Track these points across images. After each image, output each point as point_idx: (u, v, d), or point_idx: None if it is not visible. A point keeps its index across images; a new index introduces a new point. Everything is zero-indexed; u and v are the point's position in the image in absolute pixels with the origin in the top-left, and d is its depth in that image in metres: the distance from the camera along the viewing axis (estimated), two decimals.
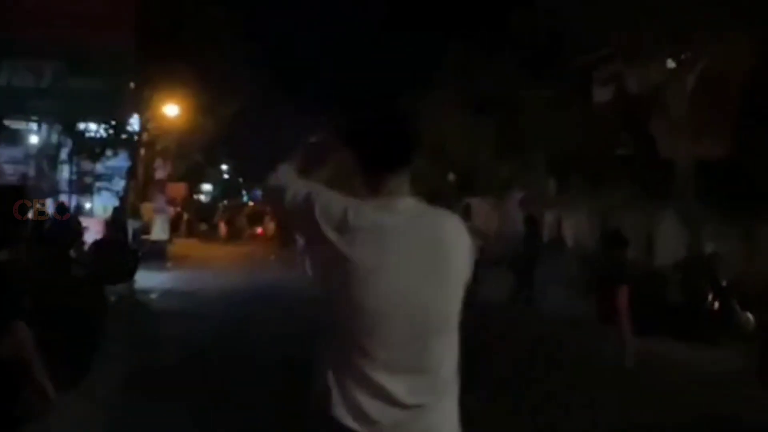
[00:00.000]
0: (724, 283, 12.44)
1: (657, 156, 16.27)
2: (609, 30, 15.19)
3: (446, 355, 2.53)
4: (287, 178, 2.90)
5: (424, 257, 2.50)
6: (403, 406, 2.46)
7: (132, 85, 15.40)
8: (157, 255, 22.67)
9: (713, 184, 15.11)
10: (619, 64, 19.98)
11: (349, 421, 2.44)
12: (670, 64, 15.70)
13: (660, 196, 16.53)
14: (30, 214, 12.47)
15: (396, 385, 2.44)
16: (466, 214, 16.92)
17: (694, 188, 14.85)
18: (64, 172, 23.91)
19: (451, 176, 30.39)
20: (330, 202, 2.61)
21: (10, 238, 4.11)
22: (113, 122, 21.03)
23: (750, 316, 11.90)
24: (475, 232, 3.85)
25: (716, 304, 12.18)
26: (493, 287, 17.21)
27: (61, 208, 15.39)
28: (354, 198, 2.62)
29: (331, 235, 2.47)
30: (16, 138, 26.07)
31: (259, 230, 41.20)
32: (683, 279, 13.02)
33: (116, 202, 25.06)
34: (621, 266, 10.37)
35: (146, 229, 25.18)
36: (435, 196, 31.42)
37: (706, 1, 13.06)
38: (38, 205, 15.94)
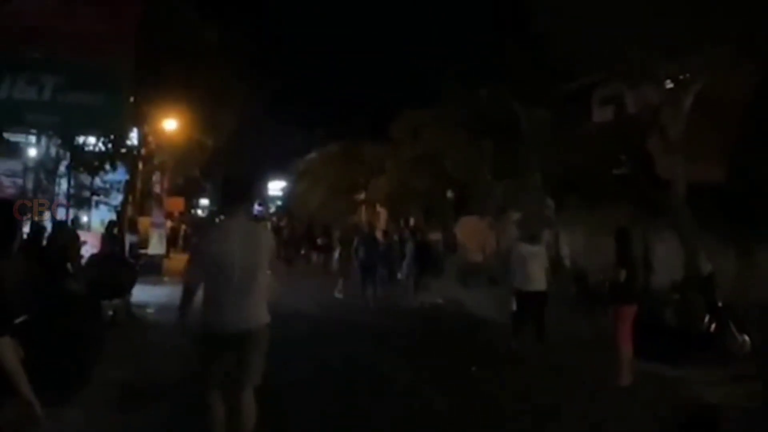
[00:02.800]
0: (720, 304, 12.43)
1: (655, 176, 16.32)
2: (607, 52, 15.24)
3: (262, 281, 5.94)
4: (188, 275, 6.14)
5: (248, 239, 5.95)
6: (243, 309, 5.86)
7: (131, 99, 15.43)
8: (154, 269, 22.65)
9: (710, 205, 15.14)
10: (618, 85, 20.07)
11: (216, 329, 5.86)
12: (669, 84, 15.75)
13: (658, 216, 16.56)
14: (25, 228, 12.46)
15: (242, 299, 5.84)
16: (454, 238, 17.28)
17: (690, 209, 14.86)
18: (63, 186, 23.89)
19: (450, 194, 30.43)
20: (199, 243, 6.39)
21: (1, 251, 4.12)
22: (112, 136, 21.02)
23: (746, 338, 11.90)
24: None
25: (712, 326, 12.17)
26: (488, 304, 17.27)
27: (58, 222, 15.39)
28: None
29: (206, 248, 6.02)
30: (15, 151, 26.07)
31: None
32: (680, 299, 13.02)
33: (114, 216, 25.05)
34: (626, 286, 10.41)
35: (143, 243, 25.16)
36: (433, 212, 31.58)
37: (702, 23, 13.12)
38: (35, 218, 15.95)
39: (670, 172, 15.29)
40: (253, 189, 8.46)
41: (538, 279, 11.94)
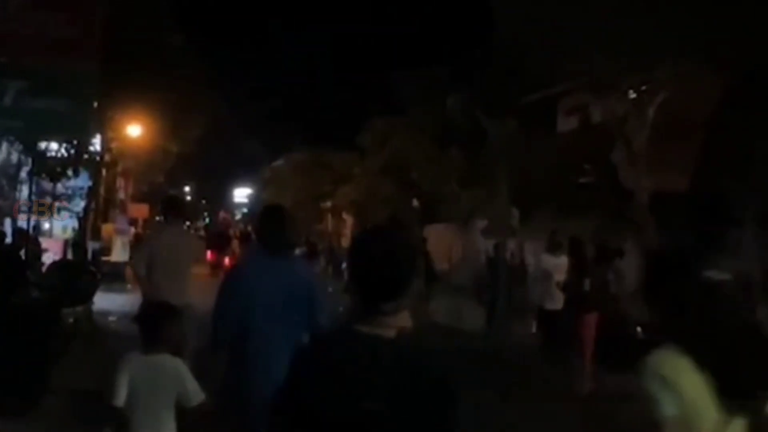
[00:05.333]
0: None
1: (619, 186, 16.46)
2: (572, 63, 15.37)
3: (190, 270, 8.17)
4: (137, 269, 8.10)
5: (182, 243, 8.20)
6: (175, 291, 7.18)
7: (95, 104, 15.24)
8: (117, 276, 22.39)
9: (673, 213, 15.30)
10: (583, 95, 20.24)
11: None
12: (632, 95, 15.92)
13: (622, 225, 16.71)
14: None
15: (173, 284, 7.47)
16: (423, 243, 17.03)
17: (654, 218, 15.02)
18: (24, 192, 23.56)
19: (416, 202, 30.49)
20: (145, 246, 8.82)
21: None
22: (75, 142, 20.79)
23: None
24: None
25: None
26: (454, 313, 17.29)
27: (18, 229, 15.16)
28: None
29: (155, 249, 7.97)
30: None
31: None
32: (644, 308, 13.13)
33: (76, 223, 24.75)
34: (585, 295, 10.42)
35: (106, 250, 24.87)
36: (399, 220, 31.63)
37: (666, 35, 13.28)
38: None
39: (634, 182, 15.45)
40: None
41: (560, 296, 10.80)
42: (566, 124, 23.31)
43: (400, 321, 2.35)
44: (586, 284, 10.28)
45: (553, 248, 11.20)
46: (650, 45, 13.66)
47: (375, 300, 2.35)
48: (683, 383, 2.51)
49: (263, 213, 5.06)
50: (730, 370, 2.46)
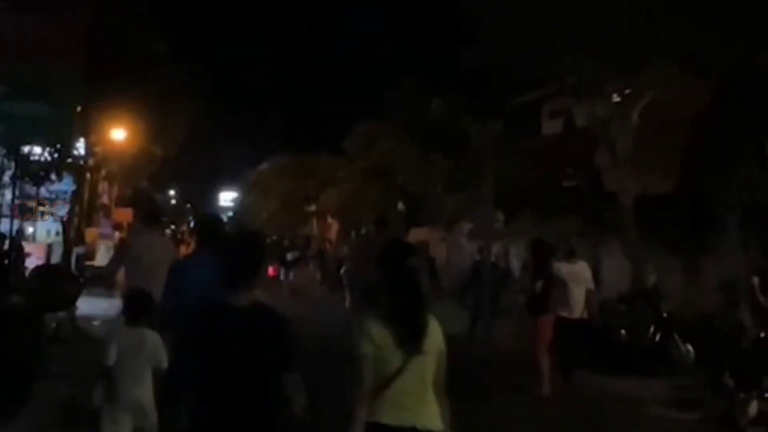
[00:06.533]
0: (665, 315, 12.61)
1: (603, 189, 16.52)
2: (556, 66, 15.42)
3: (165, 268, 6.49)
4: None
5: (159, 247, 8.38)
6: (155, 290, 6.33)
7: (78, 108, 15.18)
8: (100, 281, 22.21)
9: (657, 216, 15.37)
10: (568, 99, 20.32)
11: None
12: (616, 98, 15.99)
13: (605, 228, 16.77)
14: None
15: (151, 284, 6.56)
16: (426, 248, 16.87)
17: (638, 221, 15.07)
18: (7, 196, 23.40)
19: (401, 205, 30.50)
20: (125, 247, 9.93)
21: None
22: (58, 146, 20.67)
23: (690, 348, 12.08)
24: None
25: (657, 336, 12.34)
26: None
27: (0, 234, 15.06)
28: None
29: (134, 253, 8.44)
30: None
31: None
32: (626, 311, 13.18)
33: (60, 227, 24.60)
34: (547, 294, 10.46)
35: (90, 254, 24.75)
36: (383, 224, 31.59)
37: (649, 39, 13.34)
38: None
39: (618, 185, 15.50)
40: None
41: (578, 303, 10.52)
42: (551, 127, 23.41)
43: (251, 296, 3.87)
44: (538, 287, 10.34)
45: (568, 256, 10.88)
46: (634, 48, 13.72)
47: (239, 284, 3.86)
48: (374, 334, 3.82)
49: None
50: (402, 327, 3.85)
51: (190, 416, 3.80)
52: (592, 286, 10.81)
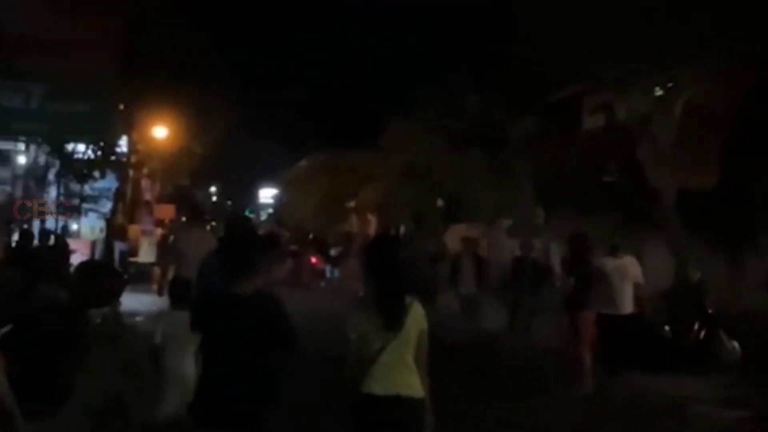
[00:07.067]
0: (710, 312, 12.43)
1: (644, 184, 16.33)
2: (596, 61, 15.27)
3: None
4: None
5: (200, 242, 8.64)
6: None
7: (121, 106, 15.36)
8: (143, 277, 22.51)
9: (700, 212, 15.16)
10: (608, 93, 20.11)
11: None
12: (658, 92, 15.80)
13: (647, 224, 16.57)
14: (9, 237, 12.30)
15: (191, 271, 7.81)
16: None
17: (680, 216, 14.87)
18: (52, 194, 23.78)
19: (440, 202, 30.40)
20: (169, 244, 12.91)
21: None
22: (102, 144, 20.97)
23: (736, 345, 11.88)
24: None
25: (702, 333, 12.16)
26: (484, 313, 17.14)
27: (46, 230, 15.29)
28: None
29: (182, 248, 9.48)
30: (3, 159, 25.96)
31: None
32: (669, 307, 13.01)
33: (103, 224, 24.94)
34: (585, 290, 10.35)
35: (133, 251, 25.04)
36: (422, 220, 31.63)
37: (691, 30, 13.17)
38: (24, 227, 15.82)
39: (660, 180, 15.31)
40: None
41: (624, 300, 10.22)
42: (591, 122, 23.18)
43: (253, 284, 4.58)
44: (570, 283, 10.26)
45: (612, 251, 10.64)
46: (675, 42, 13.55)
47: (240, 275, 4.61)
48: (359, 320, 4.57)
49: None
50: (383, 311, 4.51)
51: (202, 370, 4.76)
52: (641, 280, 10.47)
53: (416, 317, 4.59)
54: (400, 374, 4.53)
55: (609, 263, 10.38)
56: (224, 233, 7.53)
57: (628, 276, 10.31)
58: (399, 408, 4.52)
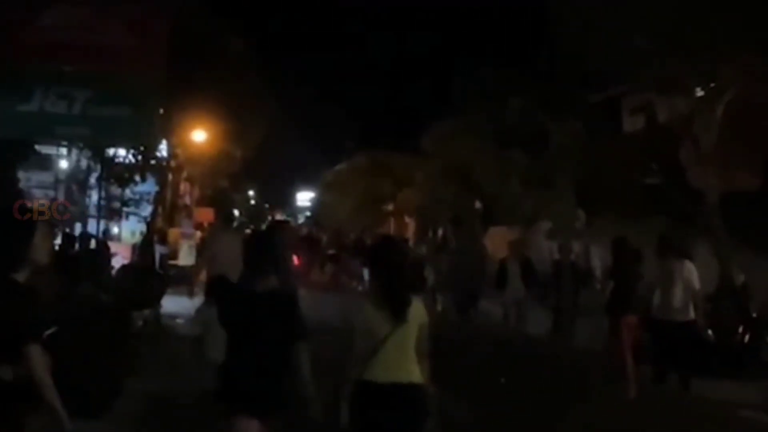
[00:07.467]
0: (754, 315, 12.24)
1: (687, 186, 16.11)
2: (637, 61, 15.11)
3: (238, 262, 6.03)
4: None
5: (233, 245, 8.49)
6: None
7: (161, 111, 15.48)
8: (184, 280, 22.67)
9: (744, 214, 14.93)
10: (649, 94, 19.88)
11: None
12: (700, 93, 15.59)
13: (690, 226, 16.33)
14: (57, 240, 12.49)
15: (225, 272, 7.99)
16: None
17: (724, 219, 14.65)
18: (93, 197, 24.09)
19: (478, 204, 30.28)
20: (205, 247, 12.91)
21: (24, 260, 4.10)
22: (142, 148, 21.20)
23: None
24: None
25: (746, 337, 11.97)
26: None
27: (88, 233, 15.48)
28: None
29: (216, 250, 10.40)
30: (46, 163, 26.36)
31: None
32: (713, 310, 12.81)
33: (144, 228, 25.20)
34: (626, 294, 10.24)
35: (173, 254, 25.26)
36: (461, 222, 31.53)
37: (733, 30, 12.97)
38: (66, 230, 16.07)
39: (703, 182, 15.09)
40: None
41: (681, 305, 9.90)
42: (632, 124, 22.94)
43: (271, 282, 5.11)
44: (609, 287, 10.18)
45: (662, 254, 10.27)
46: (717, 42, 13.36)
47: (260, 273, 5.13)
48: (365, 314, 5.01)
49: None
50: (387, 304, 4.96)
51: (224, 359, 5.10)
52: (694, 285, 10.02)
53: (417, 311, 5.09)
54: (403, 362, 4.95)
55: (670, 265, 10.01)
56: (257, 237, 7.96)
57: (680, 280, 9.91)
58: (400, 393, 4.91)
